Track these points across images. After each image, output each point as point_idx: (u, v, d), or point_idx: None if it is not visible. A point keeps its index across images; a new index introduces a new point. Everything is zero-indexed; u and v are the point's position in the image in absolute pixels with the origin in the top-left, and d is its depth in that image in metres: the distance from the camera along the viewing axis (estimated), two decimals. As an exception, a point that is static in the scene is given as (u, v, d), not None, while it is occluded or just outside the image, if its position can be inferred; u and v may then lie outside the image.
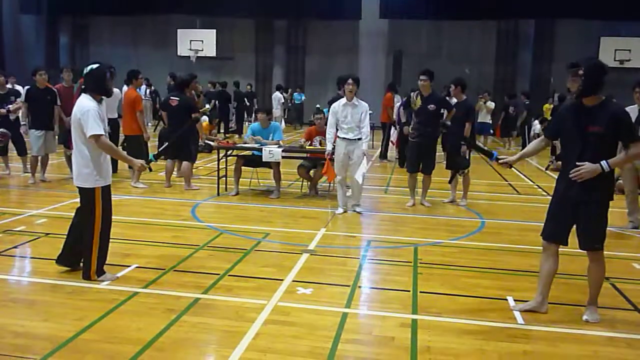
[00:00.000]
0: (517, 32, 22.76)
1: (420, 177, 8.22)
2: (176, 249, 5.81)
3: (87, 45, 25.71)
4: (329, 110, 7.92)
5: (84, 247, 4.74)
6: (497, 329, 4.07)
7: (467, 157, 8.01)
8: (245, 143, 8.73)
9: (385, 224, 7.29)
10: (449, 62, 21.26)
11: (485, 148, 4.53)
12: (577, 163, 3.90)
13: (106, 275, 4.79)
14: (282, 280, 4.91)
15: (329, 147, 7.55)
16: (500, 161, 4.39)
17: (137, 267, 5.14)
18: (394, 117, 13.51)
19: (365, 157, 7.54)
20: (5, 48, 22.72)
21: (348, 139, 7.41)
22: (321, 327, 4.01)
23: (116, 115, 9.69)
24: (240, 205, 8.04)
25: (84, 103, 4.58)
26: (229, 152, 8.83)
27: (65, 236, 4.97)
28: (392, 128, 13.89)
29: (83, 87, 4.72)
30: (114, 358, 3.46)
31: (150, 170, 4.98)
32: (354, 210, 7.64)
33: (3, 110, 9.16)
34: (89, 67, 4.68)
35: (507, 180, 10.85)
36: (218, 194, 8.63)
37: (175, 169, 9.63)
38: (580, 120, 3.91)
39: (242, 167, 8.68)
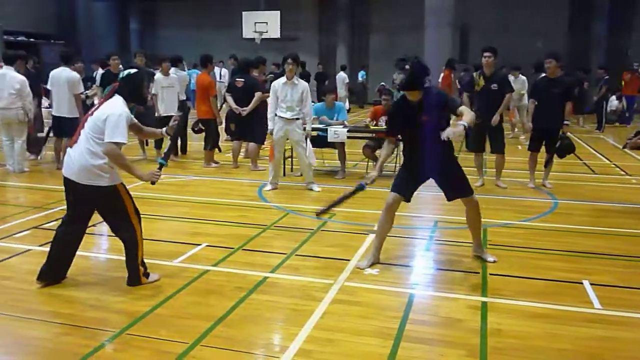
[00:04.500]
0: (591, 1, 21.54)
1: (490, 157, 7.96)
2: (243, 228, 5.93)
3: (155, 30, 26.49)
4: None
5: (128, 255, 4.33)
6: (571, 313, 3.93)
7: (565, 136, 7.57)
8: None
9: (452, 205, 7.05)
10: (518, 36, 20.40)
11: (353, 188, 4.79)
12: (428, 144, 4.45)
13: (152, 275, 4.44)
14: (348, 260, 4.92)
15: (270, 126, 7.50)
16: (369, 183, 4.68)
17: (207, 245, 5.28)
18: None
19: (307, 138, 7.52)
20: (81, 35, 23.73)
21: (286, 118, 7.37)
22: (388, 307, 4.00)
23: (184, 97, 10.15)
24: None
25: (119, 106, 4.07)
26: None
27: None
28: None
29: (117, 90, 4.20)
30: (187, 332, 3.58)
31: (155, 179, 4.29)
32: (310, 189, 7.64)
33: (82, 95, 9.58)
34: (125, 72, 4.27)
35: (581, 160, 10.39)
36: (284, 175, 8.71)
37: (242, 150, 9.81)
38: (414, 115, 4.50)
39: (307, 148, 8.73)
